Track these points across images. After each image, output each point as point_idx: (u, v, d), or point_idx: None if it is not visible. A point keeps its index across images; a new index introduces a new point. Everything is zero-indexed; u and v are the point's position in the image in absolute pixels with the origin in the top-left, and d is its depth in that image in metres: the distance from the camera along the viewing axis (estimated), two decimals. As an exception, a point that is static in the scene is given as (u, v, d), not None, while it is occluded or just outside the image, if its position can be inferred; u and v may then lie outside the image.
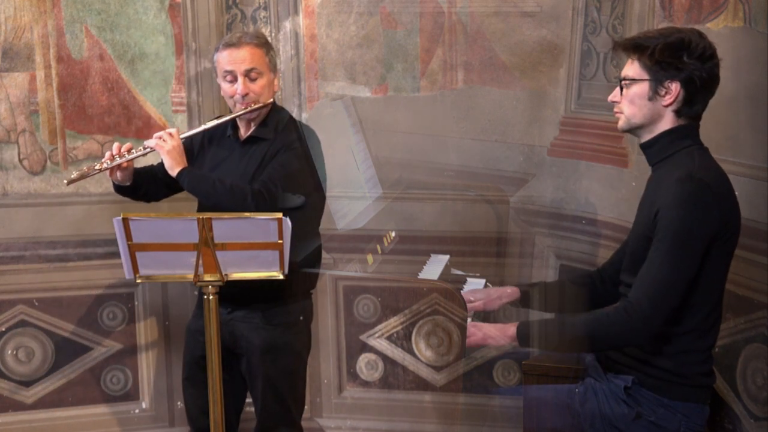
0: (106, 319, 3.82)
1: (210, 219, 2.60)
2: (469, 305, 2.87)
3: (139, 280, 2.72)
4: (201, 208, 3.11)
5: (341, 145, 3.87)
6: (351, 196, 3.87)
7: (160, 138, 2.98)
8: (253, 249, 2.67)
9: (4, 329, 3.74)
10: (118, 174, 3.05)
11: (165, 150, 2.96)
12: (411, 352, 3.90)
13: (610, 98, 2.54)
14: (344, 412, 3.99)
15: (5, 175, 3.66)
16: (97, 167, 3.00)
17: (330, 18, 3.80)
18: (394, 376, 3.94)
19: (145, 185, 3.17)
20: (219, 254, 2.65)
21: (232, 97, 3.05)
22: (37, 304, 3.75)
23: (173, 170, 2.96)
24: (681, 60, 2.40)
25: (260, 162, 3.04)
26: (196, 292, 3.22)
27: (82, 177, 3.02)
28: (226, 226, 2.63)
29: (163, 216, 2.69)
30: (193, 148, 3.20)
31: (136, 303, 3.83)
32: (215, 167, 3.12)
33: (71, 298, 3.78)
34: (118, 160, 3.00)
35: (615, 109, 2.54)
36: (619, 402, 2.52)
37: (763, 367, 2.74)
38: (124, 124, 3.71)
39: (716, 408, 2.76)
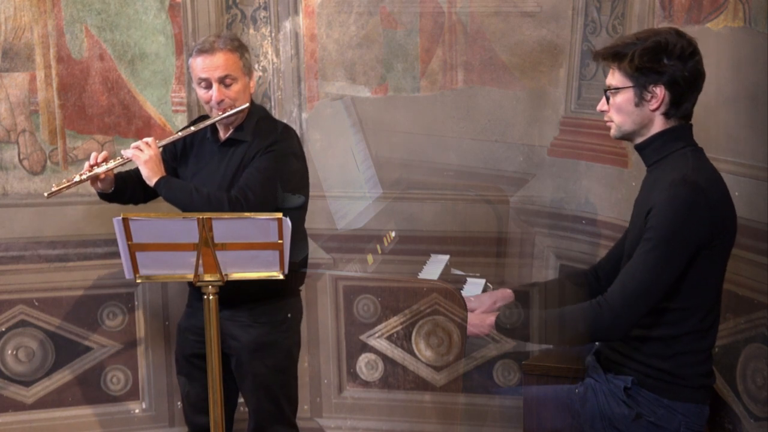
0: (106, 319, 3.82)
1: (210, 219, 2.60)
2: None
3: (139, 280, 2.72)
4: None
5: (341, 145, 3.87)
6: (351, 196, 3.87)
7: (137, 148, 3.01)
8: (253, 249, 2.67)
9: (4, 329, 3.74)
10: (99, 184, 3.09)
11: (142, 160, 3.00)
12: (411, 352, 3.90)
13: (599, 108, 2.55)
14: (344, 412, 3.99)
15: (5, 175, 3.66)
16: (76, 179, 3.04)
17: (330, 18, 3.80)
18: (394, 376, 3.94)
19: (130, 190, 3.20)
20: (219, 254, 2.65)
21: (207, 103, 3.07)
22: (37, 304, 3.75)
23: (151, 180, 3.00)
24: (661, 63, 2.40)
25: (239, 164, 3.06)
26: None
27: (61, 190, 3.05)
28: (226, 226, 2.63)
29: (163, 216, 2.69)
30: (176, 152, 3.23)
31: (136, 303, 3.83)
32: (197, 172, 3.14)
33: (71, 298, 3.77)
34: (96, 171, 3.03)
35: (605, 118, 2.55)
36: (618, 402, 2.52)
37: (763, 367, 2.74)
38: (124, 124, 3.71)
39: (716, 408, 2.76)
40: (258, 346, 3.09)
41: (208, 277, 2.71)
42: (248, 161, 3.04)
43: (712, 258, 2.42)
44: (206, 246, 2.62)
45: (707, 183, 2.39)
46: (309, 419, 3.99)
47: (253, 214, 2.68)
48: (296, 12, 3.80)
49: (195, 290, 3.22)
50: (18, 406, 3.78)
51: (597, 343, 2.76)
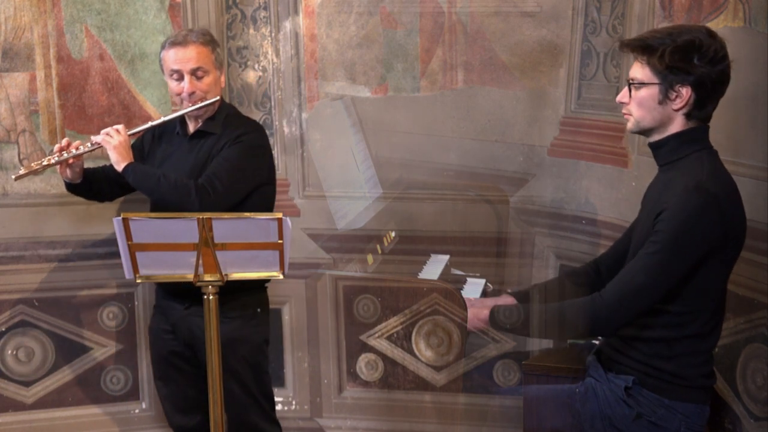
0: (106, 319, 3.82)
1: (210, 219, 2.60)
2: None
3: (139, 280, 2.72)
4: (153, 208, 3.15)
5: (341, 145, 3.87)
6: (351, 196, 3.87)
7: (107, 134, 3.05)
8: (253, 249, 2.67)
9: (4, 329, 3.74)
10: (68, 171, 3.13)
11: (111, 145, 3.04)
12: (411, 352, 3.90)
13: (619, 99, 2.50)
14: (344, 412, 3.99)
15: (5, 175, 3.66)
16: (45, 162, 3.08)
17: (330, 18, 3.80)
18: (394, 376, 3.94)
19: (97, 184, 3.25)
20: (219, 254, 2.65)
21: (178, 95, 3.12)
22: (37, 304, 3.74)
23: (119, 165, 3.03)
24: (692, 63, 2.35)
25: (208, 156, 3.11)
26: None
27: (30, 173, 3.10)
28: (226, 226, 2.63)
29: (163, 216, 2.69)
30: (143, 146, 3.28)
31: (136, 303, 3.83)
32: (164, 162, 3.19)
33: (71, 298, 3.77)
34: (65, 155, 3.06)
35: (623, 111, 2.50)
36: (619, 402, 2.52)
37: (763, 367, 2.74)
38: (124, 124, 3.71)
39: (716, 408, 2.76)
40: (230, 341, 3.10)
41: (208, 277, 2.71)
42: (217, 153, 3.09)
43: (719, 265, 2.41)
44: (206, 246, 2.62)
45: (721, 190, 2.37)
46: (309, 419, 3.99)
47: (253, 214, 2.69)
48: (296, 12, 3.80)
49: (162, 289, 3.25)
50: (18, 406, 3.77)
51: (597, 342, 2.76)
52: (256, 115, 3.85)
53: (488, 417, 3.81)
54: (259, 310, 3.24)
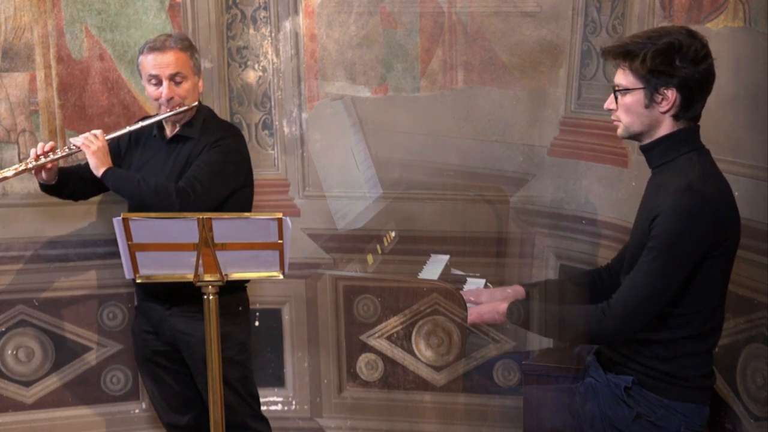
0: (106, 319, 3.82)
1: (210, 219, 2.61)
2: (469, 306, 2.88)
3: (139, 280, 2.73)
4: (131, 209, 3.16)
5: (341, 145, 3.87)
6: (351, 196, 3.87)
7: (86, 139, 3.07)
8: (253, 249, 2.67)
9: (4, 329, 3.74)
10: (43, 173, 3.14)
11: (91, 150, 3.06)
12: (411, 352, 3.90)
13: (606, 106, 2.51)
14: (344, 412, 3.99)
15: (5, 175, 3.66)
16: (21, 168, 3.10)
17: (330, 18, 3.80)
18: (394, 376, 3.94)
19: (72, 184, 3.27)
20: (219, 254, 2.65)
21: (156, 99, 3.14)
22: (37, 304, 3.74)
23: (98, 170, 3.05)
24: (673, 65, 2.36)
25: (186, 160, 3.14)
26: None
27: (5, 179, 3.11)
28: (226, 226, 2.63)
29: (163, 216, 2.69)
30: (120, 149, 3.29)
31: (136, 303, 3.83)
32: (142, 167, 3.21)
33: (71, 298, 3.77)
34: (42, 160, 3.10)
35: (612, 117, 2.51)
36: (619, 402, 2.52)
37: (763, 367, 2.74)
38: (124, 124, 3.69)
39: (716, 408, 2.76)
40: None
41: (208, 277, 2.71)
42: (196, 157, 3.12)
43: (715, 265, 2.41)
44: (206, 246, 2.63)
45: (712, 191, 2.37)
46: (309, 419, 3.99)
47: (253, 214, 2.69)
48: (296, 12, 3.80)
49: (142, 291, 3.27)
50: (18, 406, 3.77)
51: (597, 343, 2.77)
52: (256, 115, 3.85)
53: (488, 417, 3.81)
54: (240, 308, 3.26)
